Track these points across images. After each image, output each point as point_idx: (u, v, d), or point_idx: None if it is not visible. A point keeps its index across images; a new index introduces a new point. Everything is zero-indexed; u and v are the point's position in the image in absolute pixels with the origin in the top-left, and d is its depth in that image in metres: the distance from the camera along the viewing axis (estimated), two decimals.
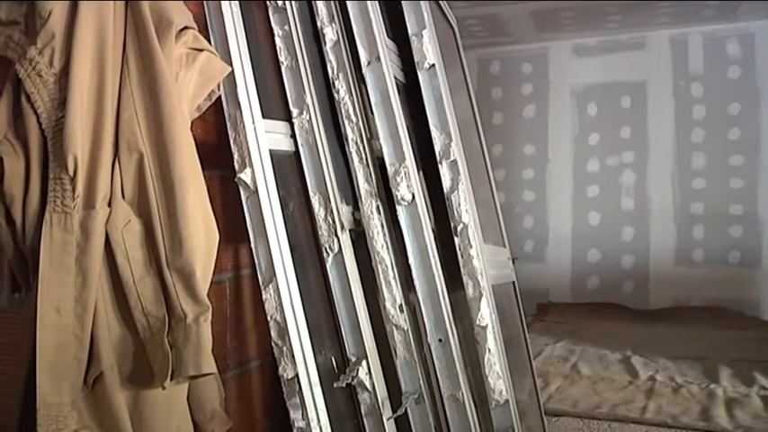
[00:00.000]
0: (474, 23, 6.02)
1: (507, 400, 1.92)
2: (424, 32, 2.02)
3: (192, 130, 1.49)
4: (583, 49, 6.60)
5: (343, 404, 1.91)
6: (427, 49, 2.01)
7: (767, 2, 5.50)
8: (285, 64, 1.94)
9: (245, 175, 1.73)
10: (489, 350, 1.88)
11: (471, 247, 1.92)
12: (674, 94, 6.35)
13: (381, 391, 1.87)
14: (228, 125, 1.75)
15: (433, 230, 2.07)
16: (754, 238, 6.12)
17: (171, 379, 1.33)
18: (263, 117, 1.81)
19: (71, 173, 1.26)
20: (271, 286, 1.72)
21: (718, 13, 5.85)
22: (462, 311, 2.01)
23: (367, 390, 1.85)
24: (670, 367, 4.31)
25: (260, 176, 1.73)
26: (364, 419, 1.88)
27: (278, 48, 1.95)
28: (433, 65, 2.00)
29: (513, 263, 2.76)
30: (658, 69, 6.39)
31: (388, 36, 2.08)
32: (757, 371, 4.14)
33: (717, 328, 5.67)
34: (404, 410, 1.88)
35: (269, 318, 1.74)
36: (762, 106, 6.10)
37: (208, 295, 1.40)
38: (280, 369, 1.74)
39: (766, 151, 6.09)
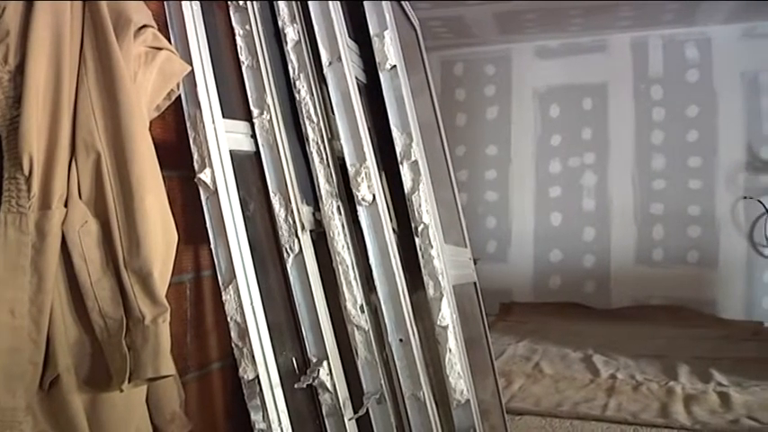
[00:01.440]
0: (437, 25, 6.04)
1: (468, 400, 1.93)
2: (385, 33, 2.02)
3: (151, 130, 1.47)
4: (545, 52, 6.66)
5: (305, 405, 1.90)
6: (389, 49, 2.01)
7: (724, 8, 5.61)
8: (246, 64, 1.93)
9: (205, 176, 1.72)
10: (450, 350, 1.89)
11: (432, 247, 1.92)
12: (635, 97, 6.44)
13: (342, 392, 1.87)
14: (188, 125, 1.74)
15: (395, 231, 2.08)
16: (711, 239, 6.24)
17: (129, 381, 1.32)
18: (224, 117, 1.80)
19: (26, 172, 1.24)
20: (231, 287, 1.72)
21: (676, 18, 5.95)
22: (424, 311, 2.01)
23: (328, 390, 1.84)
24: (630, 365, 4.36)
25: (220, 177, 1.72)
26: (325, 420, 1.88)
27: (239, 47, 1.94)
28: (395, 66, 2.00)
29: (476, 263, 2.77)
30: (619, 72, 6.48)
31: (349, 36, 2.08)
32: (714, 368, 4.21)
33: (676, 327, 5.76)
34: (365, 411, 1.88)
35: (229, 319, 1.73)
36: (719, 109, 6.22)
37: (167, 296, 1.39)
38: (240, 370, 1.74)
39: (723, 153, 6.21)
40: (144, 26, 1.49)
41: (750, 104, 6.15)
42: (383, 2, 2.06)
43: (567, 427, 3.22)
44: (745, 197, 6.14)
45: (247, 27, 1.93)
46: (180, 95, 1.72)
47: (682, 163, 6.31)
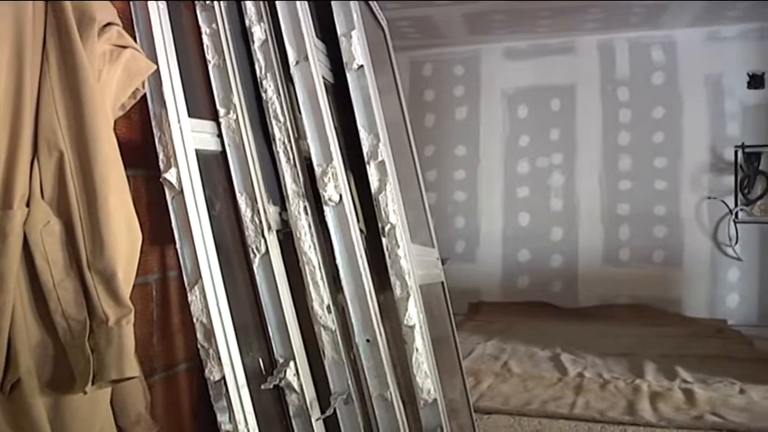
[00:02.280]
0: (406, 25, 6.05)
1: (435, 399, 1.93)
2: (353, 33, 2.02)
3: (115, 129, 1.46)
4: (514, 53, 6.71)
5: (272, 406, 1.90)
6: (356, 49, 2.01)
7: (688, 12, 5.69)
8: (212, 63, 1.92)
9: (171, 175, 1.70)
10: (417, 350, 1.89)
11: (399, 247, 1.93)
12: (602, 98, 6.51)
13: (310, 392, 1.87)
14: (153, 124, 1.73)
15: (362, 231, 2.08)
16: (676, 239, 6.32)
17: (93, 383, 1.30)
18: (190, 116, 1.78)
19: None
20: (196, 287, 1.70)
21: (642, 21, 6.03)
22: (391, 311, 2.02)
23: (295, 391, 1.84)
24: (598, 364, 4.41)
25: (185, 176, 1.71)
26: (293, 421, 1.88)
27: (205, 46, 1.92)
28: (362, 65, 2.00)
29: (445, 263, 2.78)
30: (587, 73, 6.54)
31: (317, 36, 2.08)
32: (679, 365, 4.27)
33: (642, 325, 5.83)
34: (332, 411, 1.88)
35: (195, 319, 1.72)
36: (684, 111, 6.31)
37: (132, 297, 1.38)
38: (206, 371, 1.72)
39: (688, 154, 6.30)
40: (108, 24, 1.47)
41: (714, 107, 6.25)
42: (350, 2, 2.06)
43: (536, 425, 3.24)
44: (709, 197, 6.24)
45: (214, 26, 1.92)
46: (145, 94, 1.70)
47: (648, 164, 6.39)
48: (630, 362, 4.44)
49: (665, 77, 6.37)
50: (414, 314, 1.90)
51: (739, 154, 6.13)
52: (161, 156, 1.72)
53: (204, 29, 1.93)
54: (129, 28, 1.70)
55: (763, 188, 6.13)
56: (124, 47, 1.51)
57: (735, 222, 6.16)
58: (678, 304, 6.27)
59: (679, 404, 3.51)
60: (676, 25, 6.15)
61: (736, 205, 6.16)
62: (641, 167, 6.40)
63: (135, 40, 1.65)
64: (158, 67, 1.69)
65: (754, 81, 6.15)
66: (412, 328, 1.90)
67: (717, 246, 6.25)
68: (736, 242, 6.16)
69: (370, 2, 2.55)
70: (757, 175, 6.14)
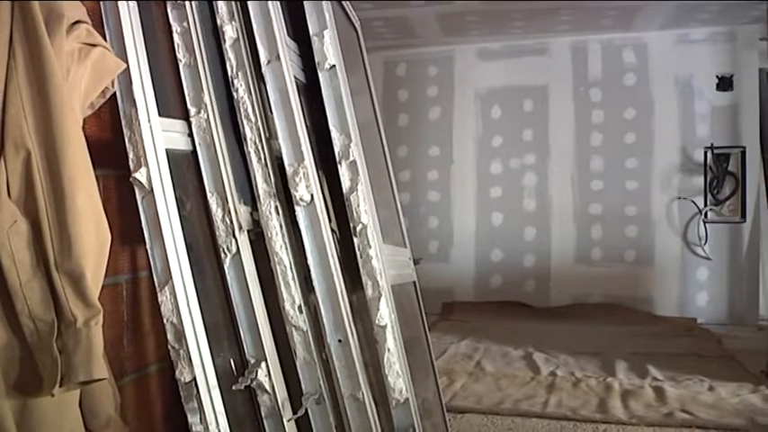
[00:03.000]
0: (380, 25, 6.05)
1: (407, 399, 1.94)
2: (325, 33, 2.02)
3: (85, 128, 1.45)
4: (487, 53, 6.74)
5: (243, 407, 1.89)
6: (328, 49, 2.01)
7: (660, 14, 5.76)
8: (183, 61, 1.91)
9: (141, 175, 1.69)
10: (389, 349, 1.89)
11: (370, 247, 1.92)
12: (574, 99, 6.56)
13: (281, 393, 1.86)
14: (123, 123, 1.71)
15: (334, 231, 2.08)
16: (647, 238, 6.39)
17: (60, 386, 1.29)
18: (160, 115, 1.77)
19: None
20: (167, 288, 1.69)
21: (615, 23, 6.08)
22: (364, 311, 2.02)
23: (266, 392, 1.84)
24: (570, 362, 4.44)
25: (155, 176, 1.69)
26: (264, 422, 1.87)
27: (176, 45, 1.91)
28: (334, 65, 2.00)
29: (418, 263, 2.78)
30: (559, 74, 6.59)
31: (289, 36, 2.07)
32: (650, 363, 4.32)
33: (613, 324, 5.89)
34: (304, 411, 1.88)
35: (165, 320, 1.71)
36: (655, 112, 6.38)
37: (102, 298, 1.36)
38: (177, 372, 1.71)
39: (659, 155, 6.38)
40: (77, 22, 1.45)
41: (684, 108, 6.33)
42: (323, 1, 2.06)
43: (509, 424, 3.25)
44: (679, 198, 6.32)
45: (185, 24, 1.91)
46: (115, 93, 1.69)
47: (619, 164, 6.45)
48: (602, 360, 4.48)
49: (637, 79, 6.44)
50: (385, 314, 1.90)
51: (708, 155, 6.22)
52: (131, 155, 1.70)
53: (175, 27, 1.91)
54: (99, 26, 1.69)
55: (731, 188, 6.22)
56: (93, 45, 1.49)
57: (704, 222, 6.24)
58: (649, 303, 6.34)
59: (650, 401, 3.55)
60: (647, 28, 6.22)
61: (705, 205, 6.24)
62: (613, 168, 6.46)
63: (105, 39, 1.63)
64: (128, 66, 1.68)
65: (723, 83, 6.24)
66: (383, 327, 1.90)
67: (687, 245, 6.32)
68: (706, 242, 6.24)
69: (343, 2, 2.55)
70: (726, 175, 6.23)
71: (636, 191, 6.42)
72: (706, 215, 6.24)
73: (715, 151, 6.20)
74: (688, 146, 6.31)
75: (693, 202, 6.26)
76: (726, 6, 5.59)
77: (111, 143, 1.75)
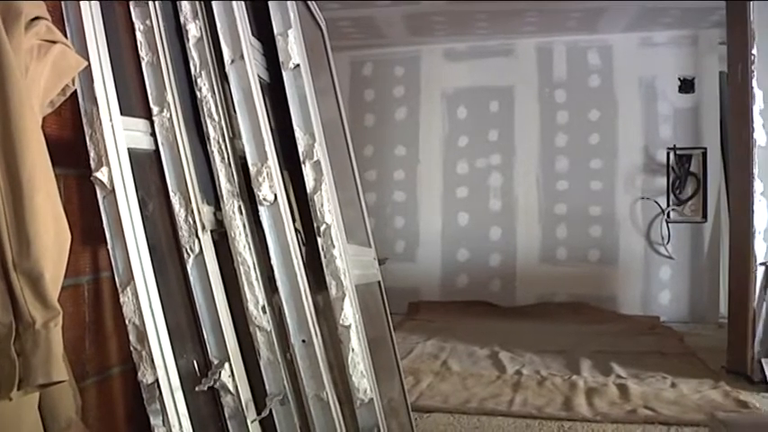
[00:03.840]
0: (347, 25, 6.05)
1: (372, 399, 1.94)
2: (289, 32, 2.01)
3: (44, 126, 1.42)
4: (453, 54, 6.77)
5: (207, 408, 1.87)
6: (292, 48, 2.00)
7: (624, 17, 5.83)
8: (146, 60, 1.89)
9: (102, 174, 1.67)
10: (353, 349, 1.90)
11: (334, 247, 1.92)
12: (540, 100, 6.62)
13: (245, 394, 1.85)
14: (84, 122, 1.69)
15: (298, 231, 2.07)
16: (611, 238, 6.47)
17: (18, 389, 1.27)
18: (122, 114, 1.75)
19: None
20: (129, 289, 1.67)
21: (580, 25, 6.15)
22: (328, 311, 2.01)
23: (230, 392, 1.82)
24: (535, 361, 4.47)
25: (117, 175, 1.68)
26: (228, 422, 1.86)
27: (139, 43, 1.89)
28: (298, 65, 2.00)
29: (384, 263, 2.78)
30: (525, 75, 6.64)
31: (253, 35, 2.06)
32: (614, 361, 4.37)
33: (578, 323, 5.95)
34: (268, 412, 1.87)
35: (127, 321, 1.69)
36: (619, 113, 6.46)
37: (62, 299, 1.34)
38: (139, 374, 1.70)
39: (623, 156, 6.46)
40: (37, 18, 1.43)
41: (647, 110, 6.42)
42: (288, 1, 2.05)
43: (475, 423, 3.26)
44: (642, 198, 6.40)
45: (148, 22, 1.89)
46: (76, 91, 1.66)
47: (584, 165, 6.52)
48: (567, 359, 4.52)
49: (601, 81, 6.51)
50: (349, 314, 1.90)
51: (671, 156, 6.31)
52: (92, 154, 1.68)
53: (138, 25, 1.89)
54: (60, 23, 1.66)
55: (693, 189, 6.32)
56: (53, 42, 1.47)
57: (667, 222, 6.34)
58: (613, 302, 6.42)
59: (614, 399, 3.59)
60: (612, 30, 6.29)
61: (668, 205, 6.33)
62: (577, 168, 6.53)
63: (65, 36, 1.61)
64: (89, 64, 1.66)
65: (685, 85, 6.34)
66: (348, 327, 1.90)
67: (650, 245, 6.41)
68: (668, 241, 6.33)
69: (309, 2, 2.54)
70: (688, 176, 6.33)
71: (600, 191, 6.49)
72: (668, 215, 6.34)
73: (677, 152, 6.30)
74: (651, 147, 6.40)
75: (656, 202, 6.35)
76: (687, 11, 5.69)
77: (71, 142, 1.73)
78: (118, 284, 1.69)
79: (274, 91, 2.13)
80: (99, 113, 1.67)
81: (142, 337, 1.68)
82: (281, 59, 2.01)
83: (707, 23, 6.03)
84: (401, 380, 2.73)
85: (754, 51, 3.89)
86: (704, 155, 6.27)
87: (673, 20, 5.96)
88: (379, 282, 2.62)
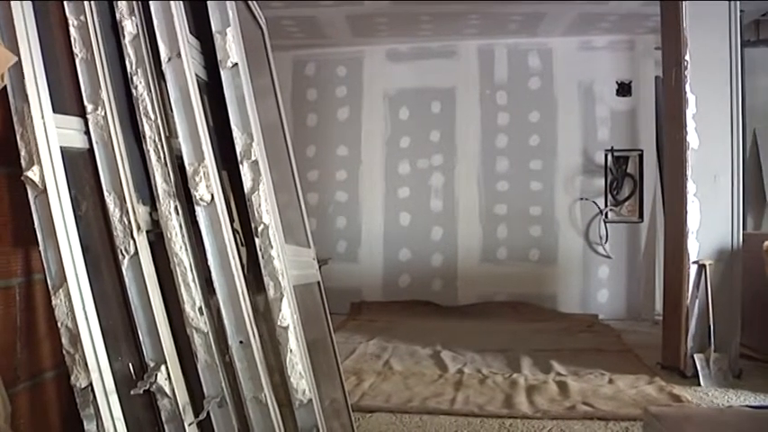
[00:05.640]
0: (290, 24, 6.02)
1: (311, 400, 1.93)
2: (228, 30, 1.99)
3: None
4: (396, 55, 6.79)
5: (143, 412, 1.84)
6: (231, 47, 1.98)
7: (563, 21, 5.93)
8: (80, 56, 1.84)
9: (33, 173, 1.62)
10: (291, 350, 1.88)
11: (272, 247, 1.91)
12: (481, 102, 6.69)
13: (182, 397, 1.82)
14: (15, 119, 1.64)
15: (237, 232, 2.05)
16: (551, 237, 6.58)
17: None
18: (55, 112, 1.71)
19: None
20: (61, 291, 1.63)
21: (520, 28, 6.23)
22: (268, 313, 2.00)
23: (167, 395, 1.79)
24: (477, 360, 4.53)
25: (49, 174, 1.63)
26: (165, 426, 1.83)
27: (72, 39, 1.84)
28: (237, 64, 1.97)
29: (327, 263, 2.77)
30: (467, 77, 6.71)
31: (191, 32, 2.03)
32: (554, 359, 4.45)
33: (519, 322, 6.05)
34: (206, 415, 1.84)
35: (60, 324, 1.65)
36: (558, 115, 6.58)
37: None
38: (72, 378, 1.66)
39: (562, 157, 6.57)
40: None
41: (586, 112, 6.54)
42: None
43: (417, 422, 3.28)
44: (581, 199, 6.53)
45: (82, 18, 1.84)
46: (6, 87, 1.62)
47: (524, 166, 6.62)
48: (508, 357, 4.59)
49: (542, 83, 6.62)
50: (287, 315, 1.89)
51: (609, 157, 6.44)
52: (23, 152, 1.64)
53: (72, 20, 1.84)
54: None
55: (630, 190, 6.48)
56: None
57: (605, 222, 6.48)
58: (553, 300, 6.53)
59: (553, 396, 3.65)
60: (552, 34, 6.40)
61: (605, 206, 6.47)
62: (518, 169, 6.62)
63: None
64: (20, 59, 1.61)
65: (622, 89, 6.50)
66: (286, 328, 1.89)
67: (588, 244, 6.54)
68: (606, 241, 6.47)
69: (249, 1, 2.52)
70: (625, 177, 6.48)
71: (540, 191, 6.60)
72: (606, 215, 6.47)
73: (615, 154, 6.44)
74: (589, 148, 6.53)
75: (595, 202, 6.48)
76: (625, 16, 5.82)
77: (2, 139, 1.68)
78: (50, 287, 1.65)
79: (212, 90, 2.11)
80: (30, 111, 1.63)
81: (75, 340, 1.64)
82: (218, 58, 1.98)
83: (643, 29, 6.18)
84: (341, 380, 2.72)
85: (687, 57, 4.00)
86: (641, 157, 6.43)
87: (610, 25, 6.09)
88: (318, 282, 2.61)
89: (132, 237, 1.78)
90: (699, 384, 3.87)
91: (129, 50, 1.89)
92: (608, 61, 6.52)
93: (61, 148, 1.70)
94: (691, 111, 4.02)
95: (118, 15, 1.91)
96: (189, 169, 1.84)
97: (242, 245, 2.09)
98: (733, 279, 4.07)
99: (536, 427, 3.18)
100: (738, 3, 4.06)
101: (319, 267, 2.71)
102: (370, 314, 6.38)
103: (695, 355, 3.97)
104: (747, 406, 3.34)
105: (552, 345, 5.02)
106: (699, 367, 3.92)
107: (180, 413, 1.80)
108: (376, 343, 5.09)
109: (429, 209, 6.74)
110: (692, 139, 4.02)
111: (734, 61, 4.04)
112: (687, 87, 4.02)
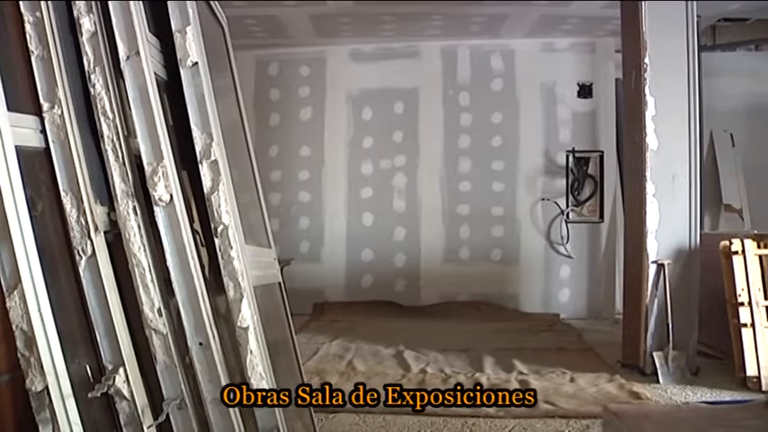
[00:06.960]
0: (253, 23, 5.98)
1: None
2: (188, 29, 1.97)
3: None
4: (359, 55, 6.78)
5: (101, 415, 1.82)
6: (191, 46, 1.96)
7: (526, 23, 5.98)
8: (36, 53, 1.81)
9: None
10: (251, 352, 1.87)
11: (232, 248, 1.90)
12: (444, 102, 6.71)
13: (141, 399, 1.81)
14: None
15: (197, 232, 2.03)
16: (513, 238, 6.63)
17: None
18: (9, 110, 1.68)
19: None
20: (16, 293, 1.61)
21: (483, 30, 6.27)
22: (229, 314, 1.98)
23: (125, 398, 1.77)
24: (439, 359, 4.54)
25: (3, 174, 1.60)
26: (124, 429, 1.81)
27: (28, 35, 1.81)
28: (197, 63, 1.96)
29: (289, 263, 2.76)
30: (430, 78, 6.73)
31: (150, 31, 2.01)
32: (516, 358, 4.48)
33: (481, 321, 6.07)
34: (165, 417, 1.83)
35: (14, 327, 1.62)
36: (520, 116, 6.62)
37: None
38: (27, 382, 1.63)
39: (524, 158, 6.62)
40: None
41: (547, 113, 6.60)
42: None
43: (380, 422, 3.28)
44: (543, 199, 6.58)
45: (38, 14, 1.81)
46: None
47: (486, 166, 6.66)
48: (470, 357, 4.61)
49: (504, 84, 6.66)
50: (247, 316, 1.88)
51: (570, 158, 6.51)
52: None
53: (27, 17, 1.81)
54: None
55: (591, 190, 6.55)
56: None
57: (566, 222, 6.54)
58: (515, 300, 6.58)
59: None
60: (515, 35, 6.45)
61: (567, 206, 6.53)
62: (480, 170, 6.66)
63: None
64: None
65: (583, 91, 6.58)
66: (246, 329, 1.88)
67: (550, 244, 6.60)
68: (567, 241, 6.53)
69: (210, 0, 2.50)
70: (586, 178, 6.55)
71: (502, 192, 6.64)
72: (568, 216, 6.54)
73: (576, 155, 6.51)
74: (551, 149, 6.59)
75: (556, 203, 6.54)
76: (585, 19, 5.88)
77: None
78: (4, 288, 1.62)
79: (172, 89, 2.08)
80: None
81: (30, 342, 1.61)
82: (178, 57, 1.97)
83: (603, 32, 6.26)
84: (302, 380, 2.71)
85: (647, 60, 4.06)
86: (601, 158, 6.51)
87: (572, 27, 6.16)
88: (280, 283, 2.60)
89: (90, 237, 1.75)
90: (658, 382, 3.93)
91: (87, 48, 1.87)
92: (569, 63, 6.59)
93: (16, 146, 1.67)
94: (650, 113, 4.08)
95: (75, 13, 1.88)
96: (148, 169, 1.82)
97: (202, 245, 2.07)
98: (691, 278, 4.14)
99: (498, 426, 3.19)
100: (695, 5, 4.13)
101: (282, 268, 2.70)
102: (332, 314, 6.37)
103: (654, 353, 4.03)
104: (704, 402, 3.39)
105: (514, 344, 5.05)
106: (658, 365, 3.98)
107: (139, 416, 1.78)
108: (339, 343, 5.08)
109: (392, 209, 6.75)
110: (651, 140, 4.08)
111: (691, 65, 4.11)
112: (646, 90, 4.08)
